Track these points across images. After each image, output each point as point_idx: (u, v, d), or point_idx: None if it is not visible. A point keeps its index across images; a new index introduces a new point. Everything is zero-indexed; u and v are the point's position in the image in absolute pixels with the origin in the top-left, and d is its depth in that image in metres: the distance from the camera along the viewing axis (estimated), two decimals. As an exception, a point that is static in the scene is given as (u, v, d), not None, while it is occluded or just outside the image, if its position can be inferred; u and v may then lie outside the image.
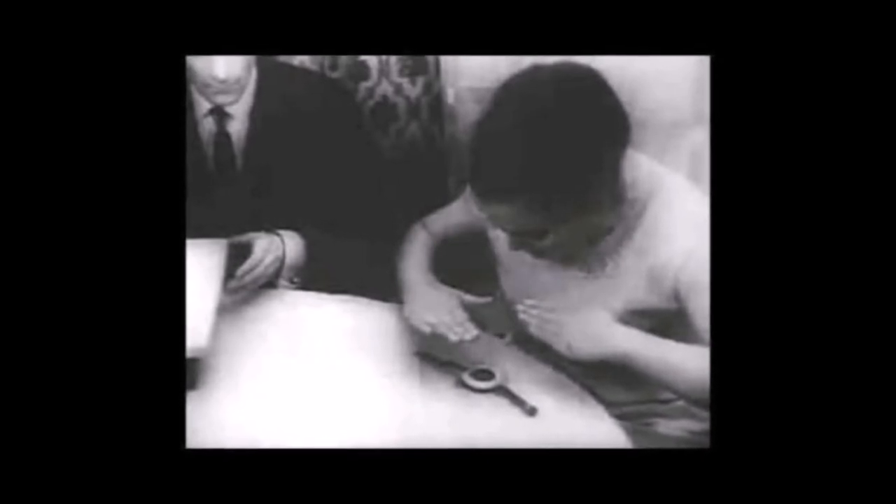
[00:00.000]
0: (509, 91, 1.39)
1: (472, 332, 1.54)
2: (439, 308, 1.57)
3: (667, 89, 2.12)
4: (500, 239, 1.56)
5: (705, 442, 1.30)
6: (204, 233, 1.66)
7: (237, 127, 1.82)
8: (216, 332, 1.54)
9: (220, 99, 1.77)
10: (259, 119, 1.81)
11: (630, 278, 1.48)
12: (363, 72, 2.28)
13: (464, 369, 1.55)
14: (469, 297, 1.61)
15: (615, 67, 1.40)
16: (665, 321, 1.47)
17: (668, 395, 1.58)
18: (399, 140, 2.35)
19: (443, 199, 1.90)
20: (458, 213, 1.73)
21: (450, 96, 2.32)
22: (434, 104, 2.36)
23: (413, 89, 2.33)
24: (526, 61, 1.41)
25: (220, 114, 1.80)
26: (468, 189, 1.62)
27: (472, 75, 2.26)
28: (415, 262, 1.70)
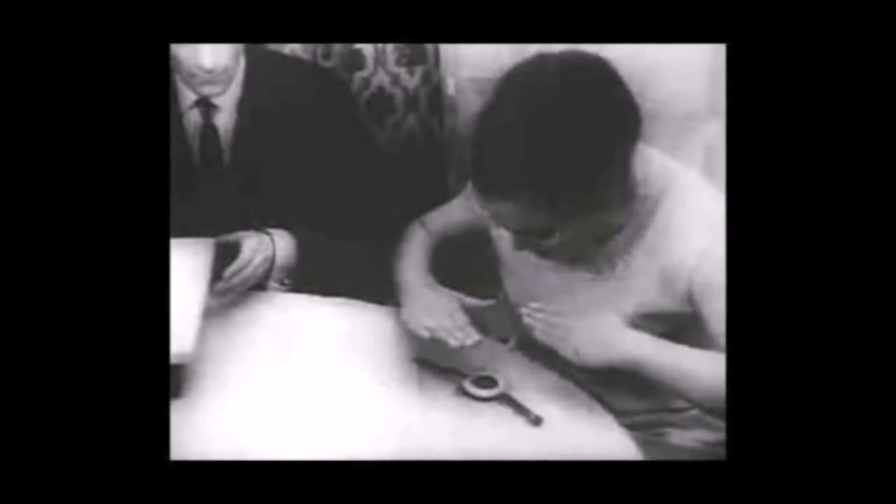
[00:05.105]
0: (513, 81, 1.40)
1: (473, 336, 1.54)
2: (439, 311, 1.58)
3: (680, 80, 2.13)
4: (503, 238, 1.56)
5: (720, 453, 1.30)
6: (189, 232, 1.66)
7: (224, 119, 1.82)
8: (202, 337, 1.54)
9: (207, 90, 1.77)
10: (248, 111, 1.81)
11: (641, 280, 1.48)
12: (358, 61, 2.29)
13: (465, 376, 1.55)
14: (470, 300, 1.61)
15: (625, 56, 1.40)
16: (678, 325, 1.47)
17: (681, 404, 1.58)
18: (396, 133, 2.36)
19: (442, 196, 1.90)
20: (459, 210, 1.74)
21: (450, 87, 2.32)
22: (433, 95, 2.36)
23: (411, 80, 2.33)
24: (531, 50, 1.41)
25: (206, 105, 1.80)
26: (469, 185, 1.63)
27: (474, 65, 2.27)
28: (413, 262, 1.70)
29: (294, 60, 2.11)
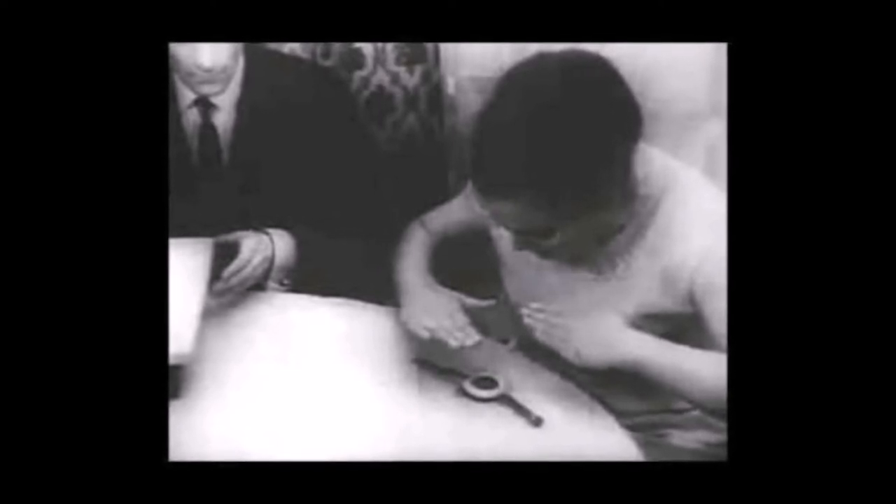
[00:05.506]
0: (513, 81, 1.40)
1: (473, 337, 1.54)
2: (439, 312, 1.58)
3: (681, 79, 2.13)
4: (503, 238, 1.56)
5: (722, 454, 1.30)
6: (188, 231, 1.66)
7: (223, 119, 1.82)
8: (201, 338, 1.54)
9: (206, 89, 1.78)
10: (247, 110, 1.81)
11: (642, 280, 1.48)
12: (357, 60, 2.29)
13: (465, 377, 1.55)
14: (470, 300, 1.61)
15: (626, 55, 1.40)
16: (679, 326, 1.47)
17: (682, 405, 1.58)
18: (396, 133, 2.36)
19: (442, 196, 1.90)
20: (459, 210, 1.74)
21: (450, 86, 2.32)
22: (433, 94, 2.36)
23: (411, 79, 2.33)
24: (531, 49, 1.41)
25: (205, 105, 1.80)
26: (469, 185, 1.63)
27: (474, 64, 2.27)
28: (413, 262, 1.70)
29: (293, 59, 2.11)
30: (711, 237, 1.40)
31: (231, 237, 1.74)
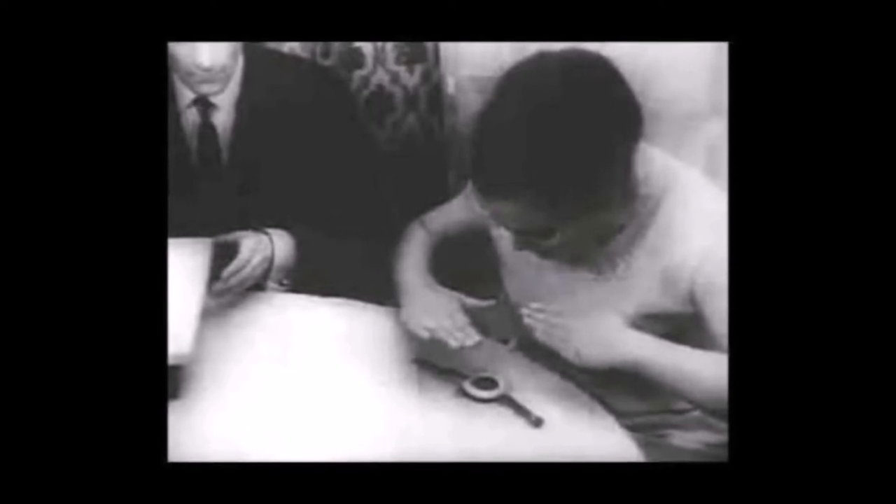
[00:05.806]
0: (513, 80, 1.40)
1: (473, 337, 1.54)
2: (439, 312, 1.58)
3: (682, 78, 2.13)
4: (503, 238, 1.56)
5: (723, 455, 1.30)
6: (187, 231, 1.66)
7: (223, 118, 1.82)
8: (200, 338, 1.54)
9: (205, 88, 1.77)
10: (246, 110, 1.81)
11: (642, 280, 1.48)
12: (357, 59, 2.29)
13: (465, 377, 1.55)
14: (470, 301, 1.61)
15: (627, 55, 1.40)
16: (680, 326, 1.47)
17: (683, 405, 1.58)
18: (396, 132, 2.36)
19: (442, 196, 1.90)
20: (459, 210, 1.74)
21: (450, 86, 2.32)
22: (433, 94, 2.36)
23: (411, 78, 2.33)
24: (531, 48, 1.41)
25: (204, 104, 1.80)
26: (469, 185, 1.63)
27: (474, 63, 2.26)
28: (412, 262, 1.70)
29: (293, 59, 2.11)
30: (712, 237, 1.40)
31: (230, 237, 1.74)
